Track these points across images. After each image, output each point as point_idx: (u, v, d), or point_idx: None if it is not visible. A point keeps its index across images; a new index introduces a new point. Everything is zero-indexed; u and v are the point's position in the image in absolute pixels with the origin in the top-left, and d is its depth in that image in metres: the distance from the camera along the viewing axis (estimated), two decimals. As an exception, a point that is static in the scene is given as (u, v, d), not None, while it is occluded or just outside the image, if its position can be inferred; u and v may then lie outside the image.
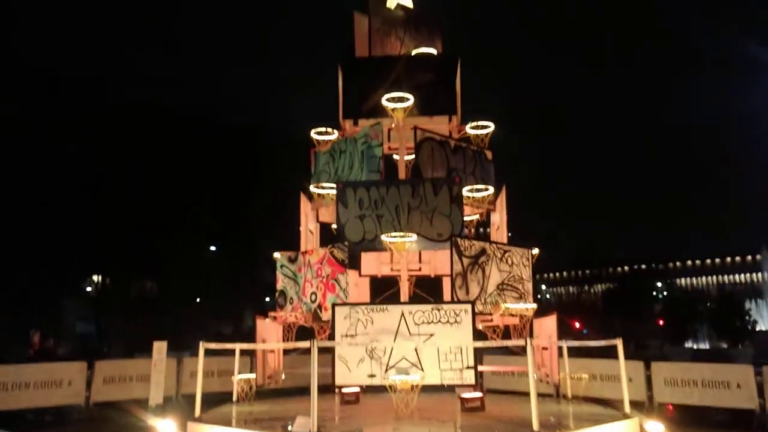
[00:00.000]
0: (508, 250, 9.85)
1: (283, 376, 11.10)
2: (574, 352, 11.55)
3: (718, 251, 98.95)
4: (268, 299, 55.32)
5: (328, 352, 14.93)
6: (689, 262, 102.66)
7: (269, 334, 10.71)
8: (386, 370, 8.44)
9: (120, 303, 42.47)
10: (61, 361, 13.17)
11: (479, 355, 9.44)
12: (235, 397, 10.62)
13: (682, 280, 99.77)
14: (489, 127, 11.16)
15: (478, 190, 10.18)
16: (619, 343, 9.72)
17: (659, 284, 78.65)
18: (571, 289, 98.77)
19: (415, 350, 8.44)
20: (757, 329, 43.96)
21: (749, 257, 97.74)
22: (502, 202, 10.70)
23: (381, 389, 10.45)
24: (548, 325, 9.75)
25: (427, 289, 11.75)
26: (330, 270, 9.48)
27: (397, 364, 8.47)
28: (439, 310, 8.55)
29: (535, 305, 9.55)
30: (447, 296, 12.06)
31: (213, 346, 9.63)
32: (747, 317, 44.18)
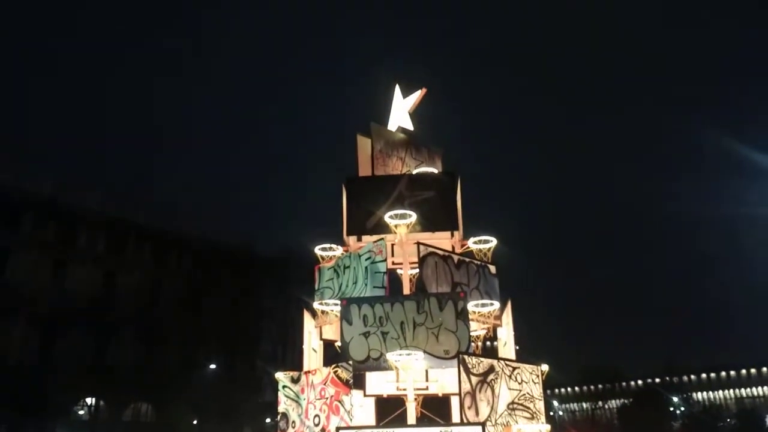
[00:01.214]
0: (517, 366, 9.61)
1: None
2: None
3: (735, 363, 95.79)
4: (269, 420, 52.88)
5: None
6: (704, 375, 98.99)
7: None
8: (394, 500, 7.89)
9: (114, 426, 40.54)
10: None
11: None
12: None
13: (699, 394, 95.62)
14: (491, 241, 11.34)
15: (483, 305, 10.12)
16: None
17: (675, 399, 75.25)
18: (584, 405, 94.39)
19: (425, 478, 7.95)
20: None
21: (765, 369, 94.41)
22: (508, 316, 10.59)
23: None
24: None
25: (435, 409, 11.29)
26: (334, 391, 9.18)
27: (406, 493, 7.93)
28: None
29: (549, 427, 9.13)
30: (455, 416, 11.57)
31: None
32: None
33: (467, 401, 8.79)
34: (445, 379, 11.36)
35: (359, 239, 11.56)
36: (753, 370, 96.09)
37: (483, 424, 8.30)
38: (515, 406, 9.30)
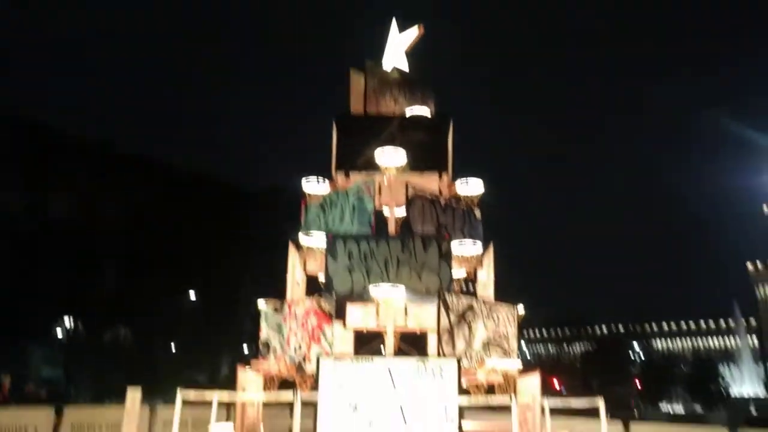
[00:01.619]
0: (495, 307, 9.97)
1: (262, 429, 10.86)
2: (552, 412, 11.58)
3: (695, 314, 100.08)
4: (246, 349, 54.20)
5: (310, 406, 14.71)
6: (665, 325, 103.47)
7: (250, 384, 10.55)
8: (370, 425, 8.33)
9: (91, 349, 41.25)
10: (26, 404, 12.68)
11: (460, 411, 9.37)
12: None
13: (659, 341, 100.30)
14: (478, 185, 11.47)
15: (466, 247, 10.37)
16: (601, 403, 9.78)
17: (636, 346, 78.89)
18: (550, 347, 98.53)
19: (400, 405, 8.38)
20: (731, 394, 44.07)
21: (722, 322, 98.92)
22: (489, 259, 10.88)
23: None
24: (531, 383, 9.77)
25: (412, 344, 11.74)
26: (316, 321, 9.47)
27: (381, 418, 8.37)
28: (424, 364, 8.55)
29: (520, 363, 9.60)
30: (432, 351, 12.06)
31: (192, 394, 9.44)
32: (721, 382, 44.38)
33: (445, 337, 9.17)
34: (424, 316, 11.76)
35: (347, 176, 11.61)
36: (711, 322, 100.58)
37: (458, 358, 8.69)
38: (490, 343, 9.72)
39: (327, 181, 11.75)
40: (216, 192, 46.01)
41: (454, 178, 11.48)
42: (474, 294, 10.65)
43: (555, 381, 48.75)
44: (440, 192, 11.22)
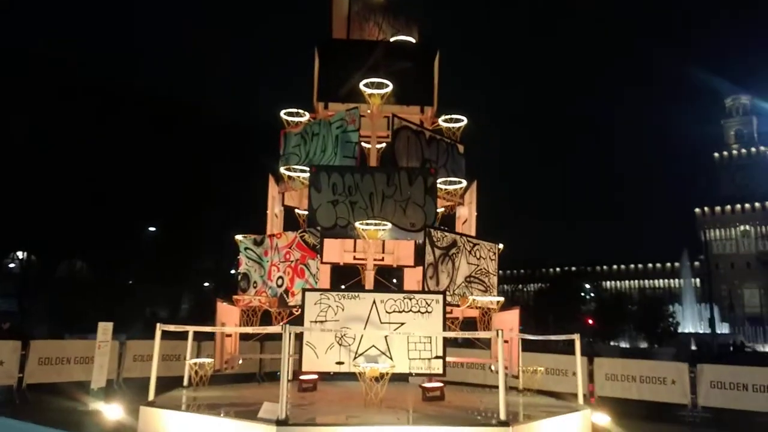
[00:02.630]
0: (477, 243, 9.96)
1: (240, 362, 10.80)
2: (523, 347, 11.90)
3: (643, 258, 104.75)
4: (207, 284, 53.81)
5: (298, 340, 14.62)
6: (615, 267, 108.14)
7: (228, 317, 10.37)
8: (355, 358, 8.34)
9: (46, 281, 40.17)
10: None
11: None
12: (186, 382, 10.21)
13: (608, 283, 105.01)
14: (462, 120, 11.21)
15: (451, 182, 10.22)
16: (576, 339, 10.08)
17: (587, 286, 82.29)
18: (505, 286, 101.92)
19: (385, 338, 8.39)
20: (679, 331, 46.96)
21: (668, 264, 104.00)
22: (472, 195, 10.78)
23: (339, 378, 10.45)
24: (509, 318, 9.93)
25: (387, 280, 11.73)
26: (300, 255, 9.27)
27: (366, 351, 8.38)
28: (410, 299, 8.52)
29: (502, 299, 9.71)
30: (407, 287, 12.12)
31: (171, 328, 9.23)
32: (671, 319, 47.07)
33: (429, 272, 9.13)
34: (401, 251, 11.71)
35: (326, 107, 11.15)
36: (658, 264, 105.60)
37: (443, 293, 8.69)
38: (472, 279, 9.77)
39: (307, 114, 11.30)
40: (186, 122, 44.13)
41: (439, 111, 11.17)
42: (452, 230, 10.58)
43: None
44: (421, 124, 10.92)
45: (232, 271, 55.09)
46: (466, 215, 11.00)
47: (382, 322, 8.43)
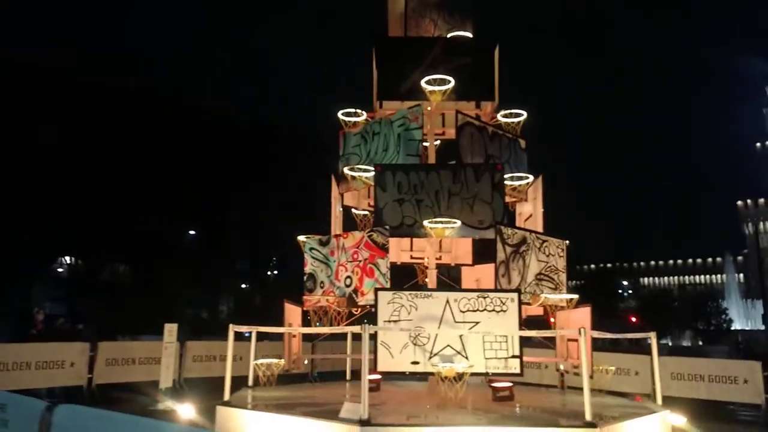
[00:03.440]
0: (546, 240, 9.78)
1: (306, 362, 10.86)
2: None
3: (683, 253, 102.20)
4: (244, 286, 54.53)
5: (355, 339, 14.66)
6: (653, 263, 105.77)
7: (293, 318, 10.42)
8: (430, 357, 8.26)
9: (93, 285, 41.21)
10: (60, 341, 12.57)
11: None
12: (251, 381, 10.22)
13: (646, 279, 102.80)
14: (521, 115, 11.04)
15: (518, 178, 10.06)
16: (653, 337, 9.81)
17: (625, 283, 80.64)
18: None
19: (460, 338, 8.29)
20: (732, 328, 45.49)
21: (710, 260, 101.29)
22: (537, 191, 10.60)
23: (398, 378, 10.41)
24: (579, 316, 9.71)
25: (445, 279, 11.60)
26: (368, 254, 9.23)
27: (441, 351, 8.30)
28: (485, 297, 8.40)
29: (576, 296, 9.50)
30: (465, 285, 11.99)
31: (243, 329, 9.30)
32: (723, 316, 45.61)
33: (501, 270, 8.98)
34: (459, 250, 11.61)
35: (381, 106, 11.13)
36: (698, 260, 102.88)
37: (518, 291, 8.55)
38: (542, 276, 9.59)
39: (364, 113, 11.28)
40: (229, 127, 44.83)
41: (499, 107, 11.02)
42: (521, 227, 10.41)
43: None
44: (484, 121, 10.78)
45: (274, 272, 55.74)
46: (529, 211, 10.83)
47: (456, 321, 8.33)
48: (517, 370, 8.28)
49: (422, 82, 10.00)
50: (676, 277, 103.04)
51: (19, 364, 11.54)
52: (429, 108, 10.37)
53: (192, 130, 42.78)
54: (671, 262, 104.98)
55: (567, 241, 10.36)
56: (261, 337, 13.27)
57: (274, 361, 10.40)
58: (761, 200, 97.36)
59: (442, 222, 8.93)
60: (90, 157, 39.60)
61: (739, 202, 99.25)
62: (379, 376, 10.71)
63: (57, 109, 37.40)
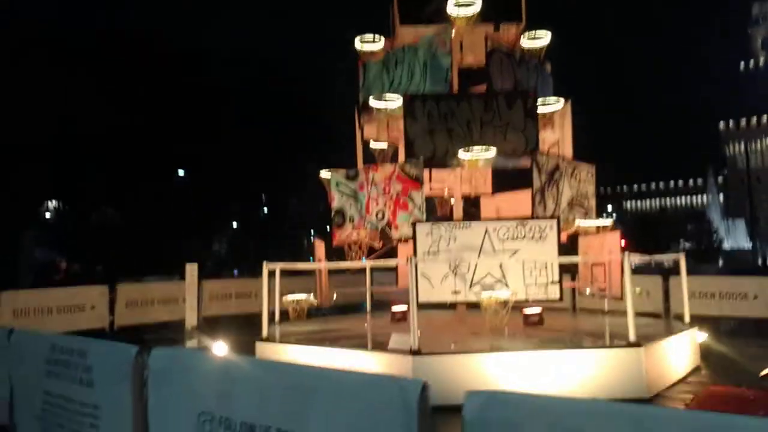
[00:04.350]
0: (576, 166, 9.69)
1: (335, 297, 10.90)
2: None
3: (660, 175, 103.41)
4: (235, 225, 54.36)
5: (384, 271, 14.59)
6: (635, 186, 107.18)
7: (320, 253, 10.37)
8: (470, 287, 8.31)
9: (81, 229, 40.71)
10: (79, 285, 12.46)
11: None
12: (277, 317, 10.16)
13: (629, 203, 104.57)
14: (544, 38, 10.64)
15: (548, 104, 9.81)
16: (682, 258, 9.96)
17: (609, 207, 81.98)
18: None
19: (500, 266, 8.31)
20: (724, 247, 46.78)
21: (691, 181, 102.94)
22: (564, 117, 10.38)
23: (426, 306, 10.54)
24: (612, 240, 9.77)
25: (465, 209, 11.55)
26: (401, 187, 9.07)
27: (482, 280, 8.33)
28: (524, 225, 8.37)
29: (610, 221, 9.51)
30: (484, 215, 11.98)
31: (284, 266, 9.20)
32: (714, 236, 46.78)
33: (537, 198, 8.92)
34: (478, 180, 11.50)
35: (392, 33, 10.66)
36: (680, 181, 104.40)
37: (557, 218, 8.52)
38: (574, 203, 9.57)
39: (383, 39, 10.78)
40: (203, 63, 43.16)
41: (524, 29, 10.59)
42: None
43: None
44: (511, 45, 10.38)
45: (264, 210, 55.50)
46: (554, 138, 10.65)
47: (495, 250, 8.33)
48: (557, 296, 8.39)
49: (450, 4, 9.51)
50: (657, 199, 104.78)
51: (41, 309, 11.46)
52: (454, 33, 9.93)
53: (175, 70, 41.17)
54: (653, 184, 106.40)
55: (594, 166, 10.29)
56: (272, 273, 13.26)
57: (303, 296, 10.43)
58: (742, 121, 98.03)
59: (478, 151, 8.74)
60: (73, 103, 38.15)
61: (722, 123, 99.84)
62: (405, 307, 10.85)
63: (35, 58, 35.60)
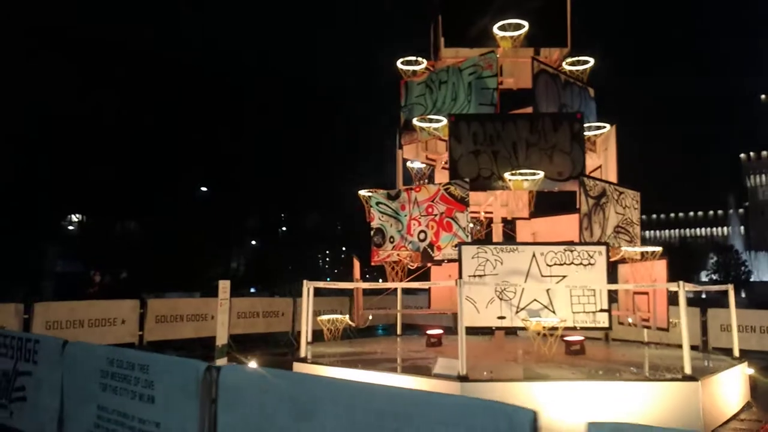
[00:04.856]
0: (622, 192, 9.51)
1: (370, 317, 10.72)
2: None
3: (684, 205, 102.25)
4: (254, 243, 54.48)
5: (410, 293, 14.44)
6: (654, 216, 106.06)
7: (355, 273, 10.24)
8: (517, 312, 8.10)
9: (104, 243, 41.00)
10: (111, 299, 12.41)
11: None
12: (309, 338, 9.96)
13: (647, 232, 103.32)
14: (589, 62, 10.57)
15: (597, 128, 9.68)
16: (731, 289, 9.67)
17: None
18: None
19: (547, 292, 8.11)
20: (751, 280, 45.81)
21: (711, 212, 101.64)
22: (608, 141, 10.25)
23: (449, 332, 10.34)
24: (658, 269, 9.52)
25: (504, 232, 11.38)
26: (445, 208, 8.94)
27: (528, 306, 8.13)
28: (572, 251, 8.18)
29: (659, 249, 9.27)
30: (520, 238, 11.78)
31: (321, 284, 9.07)
32: (743, 268, 45.81)
33: (584, 223, 8.73)
34: (515, 204, 11.35)
35: (437, 57, 10.62)
36: (700, 213, 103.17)
37: (606, 244, 8.32)
38: (619, 229, 9.37)
39: (425, 61, 10.79)
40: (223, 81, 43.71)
41: (568, 54, 10.53)
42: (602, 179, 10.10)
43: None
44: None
45: (283, 228, 55.60)
46: (598, 162, 10.50)
47: (543, 276, 8.14)
48: (606, 324, 8.15)
49: (494, 28, 9.49)
50: (677, 230, 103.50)
51: (72, 322, 11.40)
52: (499, 55, 9.89)
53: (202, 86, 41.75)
54: (672, 214, 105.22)
55: (639, 193, 10.11)
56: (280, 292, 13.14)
57: (339, 317, 10.26)
58: (764, 153, 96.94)
59: (524, 174, 8.60)
60: (92, 112, 38.71)
61: (742, 155, 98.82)
62: (440, 331, 10.64)
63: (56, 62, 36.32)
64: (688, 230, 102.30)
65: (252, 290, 40.03)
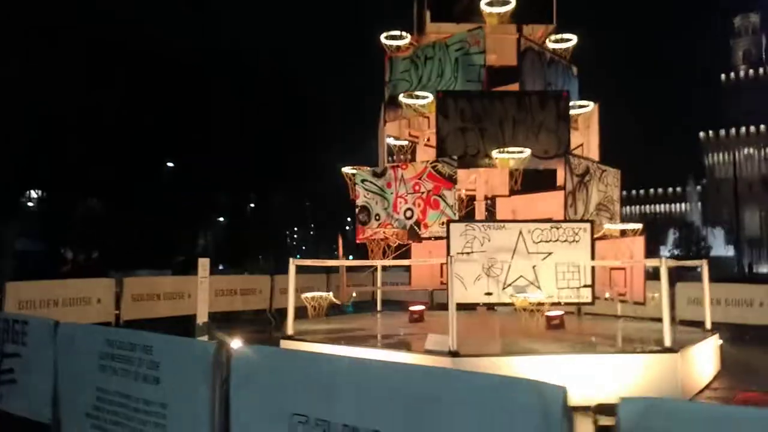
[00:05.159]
0: (605, 170, 9.68)
1: (354, 294, 10.75)
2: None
3: (644, 183, 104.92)
4: (221, 219, 53.68)
5: (388, 270, 14.42)
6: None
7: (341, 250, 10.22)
8: (503, 288, 8.22)
9: (67, 220, 39.81)
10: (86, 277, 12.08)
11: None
12: (291, 315, 9.93)
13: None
14: (571, 39, 10.62)
15: (581, 107, 9.79)
16: (705, 264, 10.01)
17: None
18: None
19: (533, 268, 8.24)
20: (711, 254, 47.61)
21: (670, 189, 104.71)
22: (591, 120, 10.38)
23: (444, 307, 10.44)
24: (637, 245, 9.77)
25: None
26: (432, 185, 8.94)
27: (515, 282, 8.25)
28: (557, 228, 8.31)
29: (640, 225, 9.50)
30: (500, 216, 11.92)
31: (307, 262, 9.01)
32: (703, 243, 47.46)
33: (569, 200, 8.87)
34: (494, 181, 11.45)
35: (422, 31, 10.53)
36: (659, 189, 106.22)
37: (591, 222, 8.48)
38: (600, 207, 9.55)
39: (408, 35, 10.65)
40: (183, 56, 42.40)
41: (553, 31, 10.56)
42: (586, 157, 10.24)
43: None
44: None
45: (251, 205, 54.92)
46: (581, 140, 10.63)
47: (529, 252, 8.25)
48: (589, 299, 8.36)
49: (482, 3, 9.42)
50: (637, 207, 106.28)
51: (46, 302, 11.08)
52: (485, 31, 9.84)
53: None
54: (633, 191, 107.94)
55: (620, 171, 10.30)
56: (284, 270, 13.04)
57: (324, 294, 10.24)
58: (722, 132, 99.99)
59: (512, 152, 8.66)
60: (53, 89, 37.14)
61: (701, 133, 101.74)
62: (423, 307, 10.75)
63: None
64: (647, 206, 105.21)
65: (220, 267, 39.60)
